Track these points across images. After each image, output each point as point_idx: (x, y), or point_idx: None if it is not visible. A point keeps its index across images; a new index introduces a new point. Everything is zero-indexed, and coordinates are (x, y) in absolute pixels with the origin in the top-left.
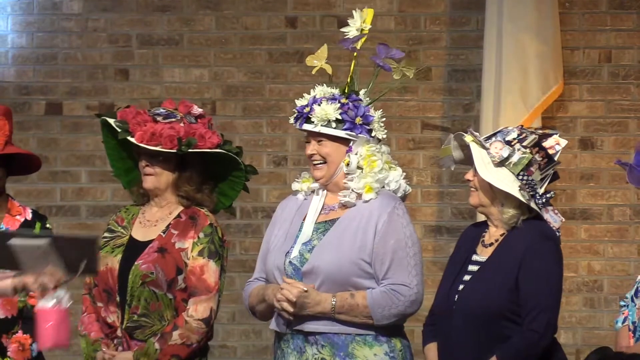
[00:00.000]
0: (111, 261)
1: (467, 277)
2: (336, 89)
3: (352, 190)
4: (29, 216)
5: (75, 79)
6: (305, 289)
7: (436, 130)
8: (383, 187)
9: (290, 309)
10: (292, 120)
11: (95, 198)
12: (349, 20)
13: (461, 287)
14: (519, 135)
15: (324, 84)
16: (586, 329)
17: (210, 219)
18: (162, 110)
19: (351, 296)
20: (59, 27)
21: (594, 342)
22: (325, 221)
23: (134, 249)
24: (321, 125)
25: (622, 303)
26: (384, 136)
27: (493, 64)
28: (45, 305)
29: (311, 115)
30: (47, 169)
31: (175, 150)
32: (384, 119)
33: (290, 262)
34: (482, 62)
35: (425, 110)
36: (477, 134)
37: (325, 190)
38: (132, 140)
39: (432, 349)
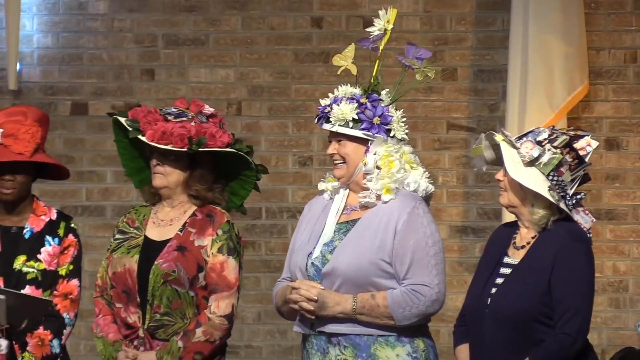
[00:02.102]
0: (128, 262)
1: (499, 280)
2: (359, 88)
3: (372, 190)
4: (54, 216)
5: (101, 79)
6: (322, 287)
7: (462, 130)
8: (403, 187)
9: (311, 308)
10: (316, 120)
11: (121, 198)
12: (374, 20)
13: (494, 290)
14: (550, 135)
15: (349, 84)
16: (611, 330)
17: (227, 216)
18: (173, 110)
19: (372, 297)
20: (85, 27)
21: (619, 343)
22: (347, 221)
23: (150, 248)
24: (338, 125)
25: None
26: (405, 136)
27: (518, 65)
28: None
29: (330, 115)
30: (72, 169)
31: (185, 149)
32: (404, 119)
33: (312, 263)
34: (507, 62)
35: (450, 111)
36: (509, 133)
37: (348, 190)
38: (143, 139)
39: (463, 350)
